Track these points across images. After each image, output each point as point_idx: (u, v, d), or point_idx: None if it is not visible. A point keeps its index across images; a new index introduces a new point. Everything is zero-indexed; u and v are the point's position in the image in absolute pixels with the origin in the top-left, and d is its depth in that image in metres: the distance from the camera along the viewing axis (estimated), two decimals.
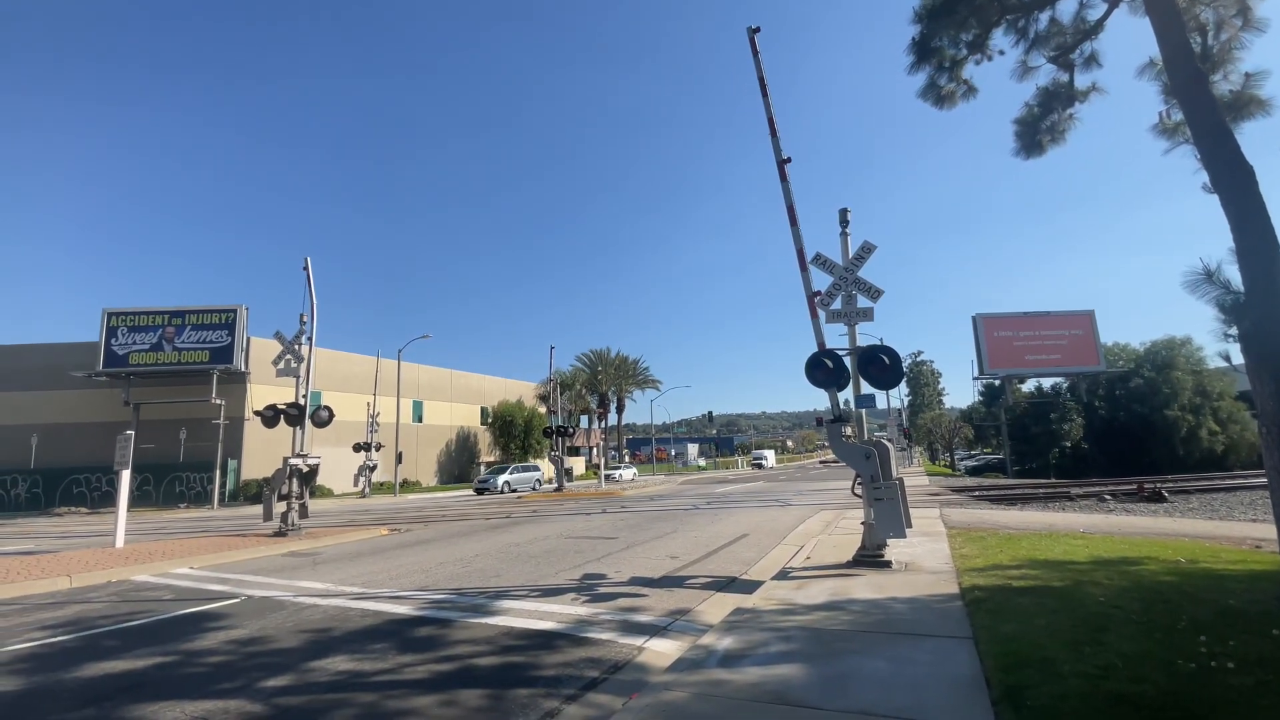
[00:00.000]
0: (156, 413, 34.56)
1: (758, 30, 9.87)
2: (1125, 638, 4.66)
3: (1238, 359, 5.61)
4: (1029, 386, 51.87)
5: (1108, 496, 19.43)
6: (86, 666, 5.66)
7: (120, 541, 14.03)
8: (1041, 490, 22.50)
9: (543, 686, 4.72)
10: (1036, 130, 9.17)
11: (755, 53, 9.82)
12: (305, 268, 17.05)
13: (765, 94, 9.68)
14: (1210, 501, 17.93)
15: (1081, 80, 8.92)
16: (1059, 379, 46.73)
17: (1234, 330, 5.52)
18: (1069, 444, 48.24)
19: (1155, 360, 46.51)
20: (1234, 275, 5.58)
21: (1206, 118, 6.28)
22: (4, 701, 4.88)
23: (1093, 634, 4.78)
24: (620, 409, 67.14)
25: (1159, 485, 20.36)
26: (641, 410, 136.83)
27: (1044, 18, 8.76)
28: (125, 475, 14.46)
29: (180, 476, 34.88)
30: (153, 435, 33.46)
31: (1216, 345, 5.82)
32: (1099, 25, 8.51)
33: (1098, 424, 47.16)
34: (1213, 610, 5.28)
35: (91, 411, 35.74)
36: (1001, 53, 9.12)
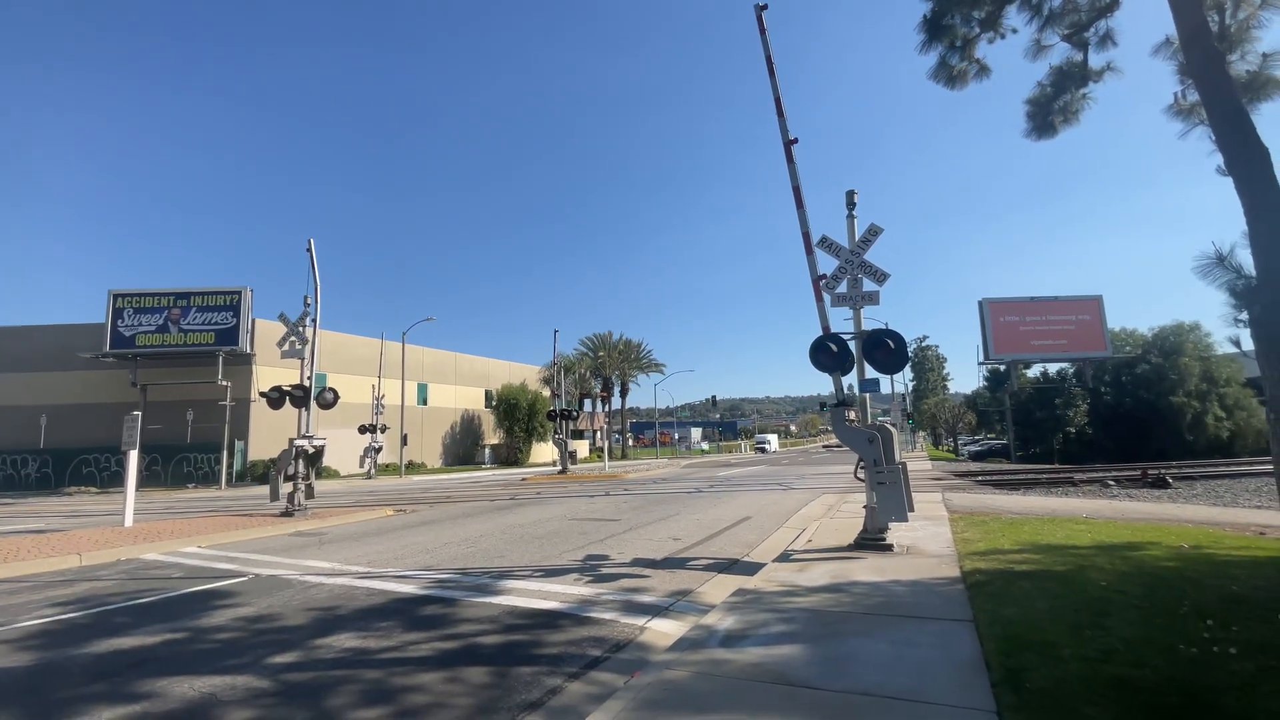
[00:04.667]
0: (163, 394, 34.78)
1: (765, 8, 9.70)
2: (1127, 622, 4.67)
3: (1248, 344, 5.55)
4: (1034, 372, 51.62)
5: (1111, 482, 19.43)
6: (97, 643, 5.74)
7: (129, 521, 14.18)
8: (1045, 475, 22.49)
9: (546, 664, 4.77)
10: (1049, 110, 9.02)
11: (762, 31, 9.66)
12: (309, 249, 16.99)
13: (772, 73, 9.54)
14: (1215, 488, 17.92)
15: (1096, 59, 8.75)
16: (1065, 364, 46.53)
17: (1244, 315, 5.46)
18: (1073, 430, 48.00)
19: (1163, 346, 46.09)
20: (1246, 260, 5.51)
21: (1223, 98, 6.17)
22: (16, 676, 4.96)
23: (1094, 618, 4.79)
24: (624, 393, 67.11)
25: (1163, 471, 20.35)
26: (645, 394, 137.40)
27: None
28: (133, 456, 14.58)
29: (188, 457, 35.16)
30: (160, 416, 33.70)
31: (1226, 330, 5.78)
32: (1114, 2, 8.33)
33: (1103, 410, 46.89)
34: (1215, 595, 5.28)
35: (99, 393, 35.94)
36: (1014, 31, 8.96)
